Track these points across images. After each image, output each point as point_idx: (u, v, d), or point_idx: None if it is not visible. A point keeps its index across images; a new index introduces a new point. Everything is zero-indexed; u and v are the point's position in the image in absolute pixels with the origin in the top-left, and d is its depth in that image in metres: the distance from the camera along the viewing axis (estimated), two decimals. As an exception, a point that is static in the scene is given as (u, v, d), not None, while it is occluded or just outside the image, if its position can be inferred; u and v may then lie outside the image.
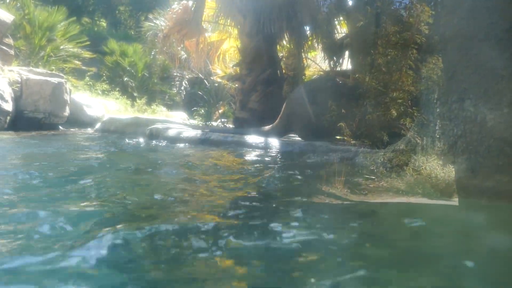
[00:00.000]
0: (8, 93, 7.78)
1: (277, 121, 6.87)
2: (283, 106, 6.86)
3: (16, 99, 8.12)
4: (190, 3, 9.82)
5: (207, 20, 10.56)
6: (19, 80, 8.42)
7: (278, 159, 5.01)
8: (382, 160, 4.46)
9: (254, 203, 2.80)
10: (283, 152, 5.39)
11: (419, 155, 4.02)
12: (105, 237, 1.88)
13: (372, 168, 4.44)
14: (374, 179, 4.11)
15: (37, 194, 2.80)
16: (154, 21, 12.01)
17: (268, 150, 5.56)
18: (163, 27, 10.71)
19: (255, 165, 4.58)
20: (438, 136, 4.03)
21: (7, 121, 7.66)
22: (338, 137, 6.28)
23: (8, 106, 7.64)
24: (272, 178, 3.77)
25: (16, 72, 8.62)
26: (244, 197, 3.09)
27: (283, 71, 9.52)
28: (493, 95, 2.36)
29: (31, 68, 9.75)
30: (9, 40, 10.16)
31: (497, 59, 2.35)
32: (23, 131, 7.63)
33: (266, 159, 5.02)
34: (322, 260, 1.78)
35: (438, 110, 4.17)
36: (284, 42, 9.83)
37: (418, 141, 4.29)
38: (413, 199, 3.34)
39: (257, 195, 3.12)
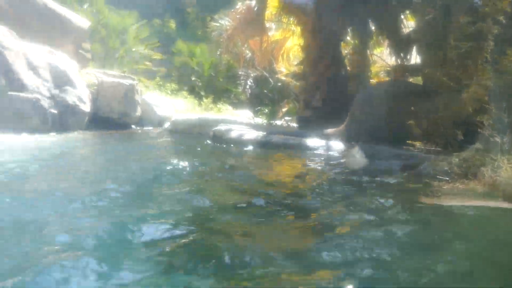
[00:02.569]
0: (86, 95, 8.32)
1: (342, 125, 6.73)
2: (349, 112, 6.67)
3: (93, 101, 8.67)
4: (253, 3, 9.90)
5: (270, 19, 10.56)
6: (95, 82, 8.97)
7: (340, 164, 4.89)
8: (457, 160, 4.18)
9: (324, 207, 2.75)
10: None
11: (498, 155, 3.73)
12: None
13: (446, 168, 4.18)
14: (448, 180, 3.88)
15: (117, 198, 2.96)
16: (220, 21, 12.21)
17: (330, 154, 5.44)
18: (227, 27, 10.87)
19: (317, 170, 4.52)
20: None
21: (85, 121, 8.20)
22: (408, 141, 6.02)
23: (86, 107, 8.17)
24: (336, 184, 3.69)
25: (93, 74, 9.20)
26: (308, 202, 3.04)
27: (348, 68, 9.29)
28: None
29: (105, 70, 10.35)
30: (86, 45, 10.86)
31: None
32: (99, 130, 8.15)
33: (327, 163, 4.93)
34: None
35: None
36: (348, 39, 9.58)
37: (497, 139, 3.98)
38: (492, 203, 3.10)
39: (327, 199, 3.06)
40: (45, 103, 7.29)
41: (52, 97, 7.54)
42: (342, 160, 5.11)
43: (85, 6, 13.02)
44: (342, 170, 4.57)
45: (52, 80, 7.77)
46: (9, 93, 6.85)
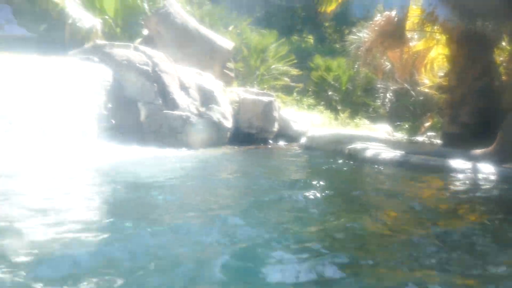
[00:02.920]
0: (229, 112, 8.98)
1: (493, 145, 5.95)
2: (501, 129, 5.86)
3: (235, 117, 9.30)
4: (393, 13, 9.54)
5: (412, 28, 10.05)
6: (237, 99, 9.62)
7: (493, 192, 4.38)
8: None
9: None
10: (498, 182, 4.66)
11: None
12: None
13: None
14: None
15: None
16: (358, 34, 12.05)
17: (478, 178, 4.86)
18: (366, 40, 10.67)
19: (463, 197, 4.13)
20: None
21: (228, 136, 8.84)
22: None
23: (229, 123, 8.80)
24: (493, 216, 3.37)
25: (235, 92, 9.90)
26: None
27: (503, 78, 8.30)
28: None
29: (247, 88, 11.04)
30: (231, 64, 11.74)
31: None
32: (240, 146, 8.70)
33: (476, 189, 4.45)
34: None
35: None
36: (504, 44, 8.57)
37: None
38: None
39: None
40: (194, 120, 8.07)
41: (199, 115, 8.31)
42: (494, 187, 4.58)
43: (230, 28, 14.10)
44: (494, 198, 4.11)
45: (200, 99, 8.57)
46: (165, 111, 7.76)
